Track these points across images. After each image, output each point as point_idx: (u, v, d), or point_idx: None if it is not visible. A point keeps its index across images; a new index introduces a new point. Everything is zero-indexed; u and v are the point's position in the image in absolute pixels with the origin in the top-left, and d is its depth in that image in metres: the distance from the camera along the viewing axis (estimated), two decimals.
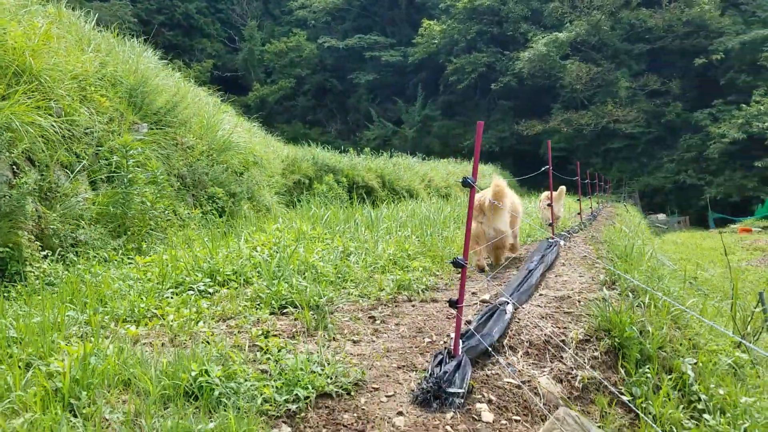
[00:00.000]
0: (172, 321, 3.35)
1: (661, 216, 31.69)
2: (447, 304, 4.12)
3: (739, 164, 32.07)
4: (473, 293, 4.47)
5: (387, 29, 51.02)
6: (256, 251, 5.02)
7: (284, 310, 3.81)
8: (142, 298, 3.82)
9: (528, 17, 41.74)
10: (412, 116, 45.80)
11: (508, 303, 3.60)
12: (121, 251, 5.89)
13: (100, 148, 7.39)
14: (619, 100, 35.72)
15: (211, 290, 4.13)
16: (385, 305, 4.09)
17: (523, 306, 3.93)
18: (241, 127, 15.14)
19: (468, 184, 2.85)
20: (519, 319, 3.63)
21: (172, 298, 3.89)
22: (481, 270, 5.87)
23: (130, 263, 5.31)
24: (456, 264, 2.77)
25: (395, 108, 48.15)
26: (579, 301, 4.05)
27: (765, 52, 31.82)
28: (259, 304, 3.85)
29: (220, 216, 9.77)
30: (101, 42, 9.34)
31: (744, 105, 31.47)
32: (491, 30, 43.08)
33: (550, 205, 7.23)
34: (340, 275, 4.69)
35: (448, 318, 3.74)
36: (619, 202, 30.60)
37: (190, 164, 9.55)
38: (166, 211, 7.42)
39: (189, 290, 4.09)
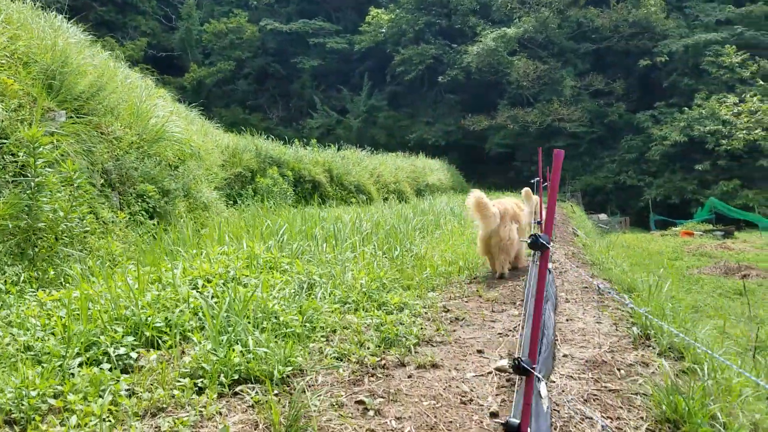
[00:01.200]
0: (74, 426, 2.27)
1: (603, 216, 31.98)
2: (452, 372, 3.19)
3: (678, 166, 32.75)
4: (479, 351, 3.56)
5: (333, 15, 49.55)
6: (197, 288, 3.93)
7: (237, 389, 2.79)
8: (38, 372, 2.70)
9: (476, 11, 41.34)
10: (358, 106, 44.68)
11: (539, 380, 2.70)
12: (22, 279, 4.64)
13: (4, 141, 6.04)
14: (564, 98, 35.84)
15: (134, 355, 3.04)
16: (371, 374, 3.12)
17: (553, 380, 3.05)
18: (178, 114, 13.76)
19: (541, 245, 1.92)
20: (556, 404, 2.75)
21: (80, 371, 2.79)
22: (501, 276, 6.16)
23: (32, 297, 4.11)
24: (520, 370, 1.84)
25: (340, 96, 46.89)
26: (619, 370, 3.21)
27: (707, 56, 32.62)
28: (202, 381, 2.81)
29: (151, 218, 8.53)
30: (13, 13, 7.88)
31: (686, 108, 32.13)
32: (440, 22, 42.42)
33: (539, 222, 6.37)
34: (307, 322, 3.69)
35: (463, 402, 2.80)
36: (564, 201, 30.69)
37: (117, 158, 8.23)
38: (85, 220, 6.15)
39: (104, 355, 3.00)
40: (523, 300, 4.68)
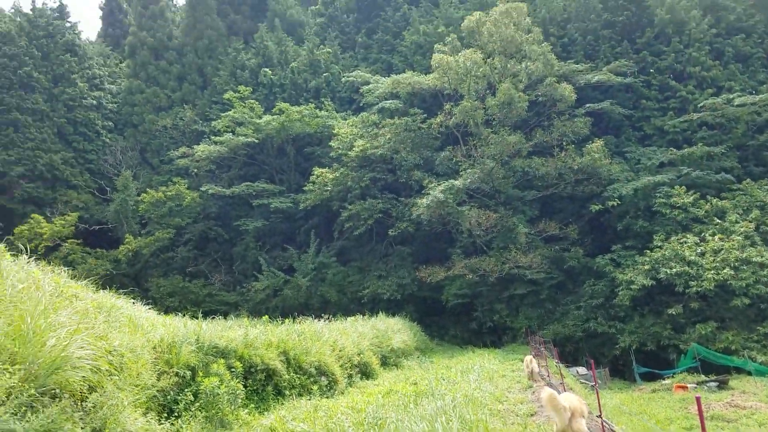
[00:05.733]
0: None
1: (582, 369, 29.79)
2: None
3: (648, 311, 31.75)
4: None
5: (275, 177, 49.20)
6: None
7: None
8: None
9: (420, 165, 41.75)
10: (305, 264, 42.68)
11: None
12: None
13: None
14: (519, 245, 35.21)
15: None
16: None
17: None
18: (99, 309, 11.11)
19: None
20: None
21: None
22: None
23: None
24: None
25: (286, 255, 44.97)
26: None
27: (658, 198, 33.12)
28: None
29: None
30: None
31: (647, 250, 31.87)
32: (385, 177, 42.51)
33: None
34: None
35: None
36: (539, 356, 28.46)
37: None
38: None
39: None
40: None
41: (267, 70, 52.36)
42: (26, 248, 10.32)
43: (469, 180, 36.24)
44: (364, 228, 40.61)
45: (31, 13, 54.05)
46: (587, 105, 39.54)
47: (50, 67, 50.76)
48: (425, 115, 42.39)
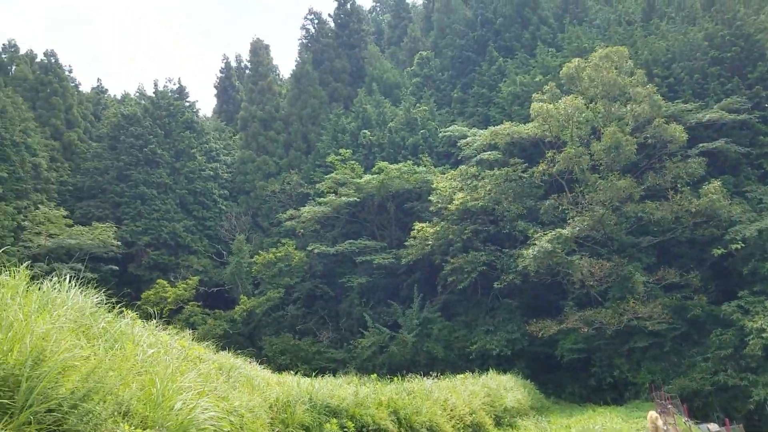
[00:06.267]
0: None
1: (714, 426, 27.16)
2: None
3: None
4: None
5: (377, 233, 50.02)
6: None
7: None
8: None
9: (524, 215, 40.82)
10: (410, 319, 42.43)
11: None
12: None
13: None
14: (637, 295, 33.18)
15: None
16: None
17: None
18: (220, 369, 11.53)
19: None
20: None
21: None
22: None
23: None
24: None
25: (390, 311, 45.01)
26: None
27: None
28: None
29: None
30: None
31: None
32: (487, 229, 41.87)
33: None
34: None
35: None
36: (666, 413, 26.17)
37: None
38: None
39: None
40: None
41: (366, 131, 54.24)
42: (154, 312, 11.10)
43: (577, 228, 34.95)
44: (468, 281, 39.93)
45: (153, 95, 60.16)
46: (700, 144, 37.36)
47: (172, 144, 55.81)
48: (526, 164, 41.73)
